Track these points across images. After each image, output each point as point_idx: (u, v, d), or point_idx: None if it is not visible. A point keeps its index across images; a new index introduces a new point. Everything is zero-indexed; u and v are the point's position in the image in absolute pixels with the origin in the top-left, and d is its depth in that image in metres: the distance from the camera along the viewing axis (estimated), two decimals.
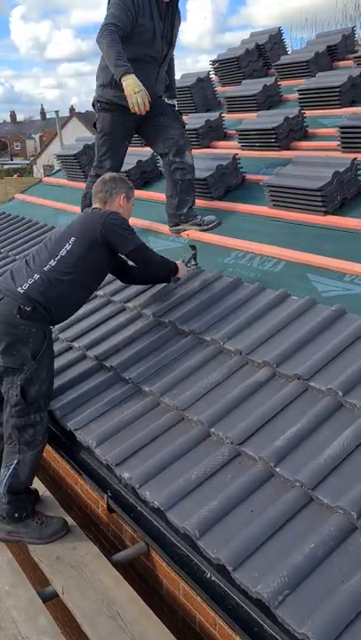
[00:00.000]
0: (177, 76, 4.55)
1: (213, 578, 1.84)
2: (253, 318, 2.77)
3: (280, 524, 1.78)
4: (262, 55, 6.18)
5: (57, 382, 2.89)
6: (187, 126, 4.18)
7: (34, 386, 2.42)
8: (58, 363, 3.07)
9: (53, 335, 3.33)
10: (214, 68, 6.47)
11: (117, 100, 3.60)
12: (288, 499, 1.85)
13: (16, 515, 2.47)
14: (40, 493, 2.74)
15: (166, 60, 3.78)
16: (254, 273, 3.21)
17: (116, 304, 3.40)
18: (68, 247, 2.61)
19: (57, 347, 3.23)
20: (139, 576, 2.48)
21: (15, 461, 2.43)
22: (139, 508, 2.22)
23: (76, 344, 3.15)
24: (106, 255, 2.73)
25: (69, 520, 2.58)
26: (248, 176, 4.32)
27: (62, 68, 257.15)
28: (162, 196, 4.29)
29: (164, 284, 3.26)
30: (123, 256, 2.88)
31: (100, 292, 3.57)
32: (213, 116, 5.12)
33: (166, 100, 4.01)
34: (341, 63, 5.60)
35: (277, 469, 1.95)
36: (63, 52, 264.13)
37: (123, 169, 5.05)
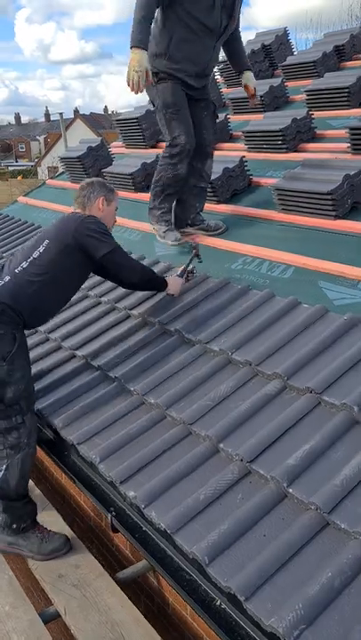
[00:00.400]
0: None
1: (224, 606, 1.75)
2: (262, 327, 2.68)
3: (294, 550, 1.67)
4: (268, 56, 6.10)
5: (59, 392, 2.81)
6: None
7: (9, 387, 2.38)
8: (60, 372, 2.99)
9: (56, 343, 3.26)
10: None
11: (173, 72, 3.36)
12: (302, 523, 1.74)
13: (14, 525, 2.42)
14: (42, 505, 2.66)
15: (225, 33, 3.47)
16: (263, 279, 3.12)
17: (120, 311, 3.30)
18: (40, 249, 2.61)
19: (59, 355, 3.16)
20: (144, 594, 2.39)
21: (4, 467, 2.39)
22: (144, 528, 2.13)
23: (79, 352, 3.06)
24: (81, 259, 2.68)
25: (72, 534, 2.50)
26: (255, 179, 4.24)
27: (66, 69, 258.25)
28: None
29: None
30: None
31: (104, 299, 3.48)
32: (219, 117, 5.02)
33: (243, 79, 3.82)
34: (349, 63, 5.51)
35: (290, 490, 1.85)
36: (67, 54, 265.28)
37: (127, 171, 5.00)
